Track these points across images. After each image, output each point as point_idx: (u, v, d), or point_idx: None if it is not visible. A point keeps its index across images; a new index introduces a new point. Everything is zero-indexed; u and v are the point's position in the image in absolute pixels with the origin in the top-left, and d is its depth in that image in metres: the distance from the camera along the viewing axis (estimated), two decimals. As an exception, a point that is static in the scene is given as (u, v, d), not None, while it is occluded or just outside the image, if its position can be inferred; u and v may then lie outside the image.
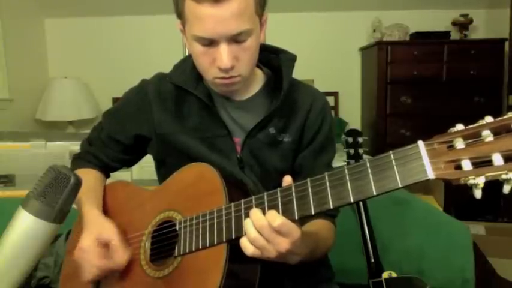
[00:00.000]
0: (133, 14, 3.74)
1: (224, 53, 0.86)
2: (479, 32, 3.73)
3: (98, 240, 0.89)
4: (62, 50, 3.87)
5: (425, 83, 3.38)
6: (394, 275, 1.35)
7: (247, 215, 0.77)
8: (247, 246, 0.74)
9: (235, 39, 0.86)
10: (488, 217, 2.62)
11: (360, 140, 1.56)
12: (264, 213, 0.74)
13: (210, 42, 0.87)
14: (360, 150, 1.56)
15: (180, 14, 0.90)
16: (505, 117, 0.59)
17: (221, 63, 0.86)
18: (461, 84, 3.37)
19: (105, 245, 0.90)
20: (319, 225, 0.95)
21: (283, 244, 0.73)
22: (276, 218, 0.71)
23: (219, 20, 0.83)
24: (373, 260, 1.40)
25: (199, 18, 0.84)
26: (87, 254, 0.88)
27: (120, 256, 0.89)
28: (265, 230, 0.72)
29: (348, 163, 1.54)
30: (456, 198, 2.48)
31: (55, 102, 3.51)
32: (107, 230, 0.91)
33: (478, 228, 2.34)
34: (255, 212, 0.74)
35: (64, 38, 3.85)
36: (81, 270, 0.90)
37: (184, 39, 0.97)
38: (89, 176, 1.02)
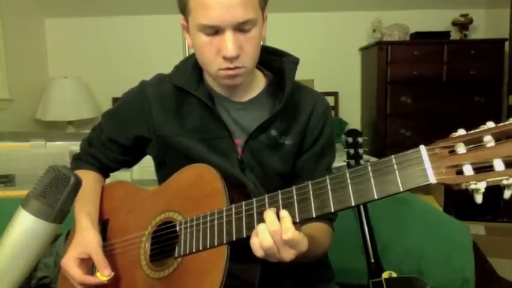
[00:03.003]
0: (134, 14, 3.74)
1: (229, 41, 0.86)
2: (479, 32, 3.73)
3: (78, 258, 0.90)
4: (62, 50, 3.86)
5: (425, 83, 3.38)
6: (394, 275, 1.35)
7: (248, 217, 0.77)
8: (258, 249, 0.75)
9: (241, 28, 0.86)
10: (488, 217, 2.62)
11: (360, 140, 1.56)
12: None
13: (215, 31, 0.87)
14: (360, 150, 1.55)
15: (184, 7, 0.90)
16: (506, 122, 0.59)
17: (226, 51, 0.86)
18: (461, 84, 3.37)
19: (88, 261, 0.92)
20: (316, 228, 0.95)
21: (288, 254, 0.74)
22: (287, 230, 0.72)
23: (226, 7, 0.83)
24: (373, 260, 1.40)
25: (206, 6, 0.84)
26: (68, 273, 0.90)
27: (103, 273, 0.90)
28: (275, 237, 0.73)
29: (348, 163, 1.55)
30: (456, 198, 2.47)
31: (55, 102, 3.51)
32: (88, 245, 0.92)
33: (478, 228, 2.34)
34: (270, 216, 0.74)
35: (64, 38, 3.85)
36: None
37: (186, 37, 0.97)
38: (87, 178, 1.02)
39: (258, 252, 0.75)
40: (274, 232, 0.72)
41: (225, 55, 0.87)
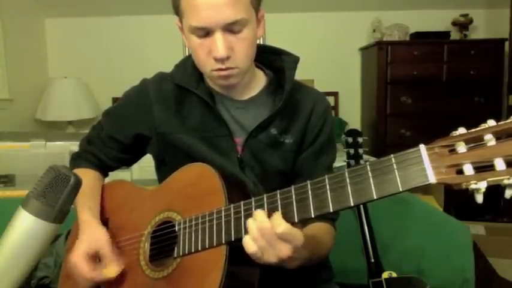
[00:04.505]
0: (133, 14, 3.74)
1: (219, 42, 0.86)
2: (479, 32, 3.73)
3: (87, 253, 0.90)
4: (62, 50, 3.86)
5: (425, 83, 3.38)
6: (394, 275, 1.35)
7: (246, 217, 0.77)
8: (249, 245, 0.73)
9: (231, 29, 0.86)
10: (488, 217, 2.62)
11: (360, 140, 1.56)
12: (267, 214, 0.74)
13: (206, 33, 0.87)
14: (360, 150, 1.55)
15: (177, 9, 0.91)
16: (507, 121, 0.58)
17: (217, 53, 0.87)
18: (461, 84, 3.37)
19: (95, 256, 0.91)
20: (319, 229, 0.95)
21: (285, 250, 0.73)
22: (280, 224, 0.71)
23: (214, 7, 0.83)
24: (373, 260, 1.40)
25: (195, 7, 0.85)
26: (77, 269, 0.89)
27: (111, 269, 0.90)
28: (267, 235, 0.72)
29: (348, 163, 1.55)
30: (456, 198, 2.48)
31: (55, 102, 3.51)
32: (98, 239, 0.92)
33: (478, 228, 2.34)
34: (259, 214, 0.73)
35: (64, 38, 3.85)
36: (76, 281, 0.91)
37: (183, 37, 0.97)
38: (87, 177, 1.02)
39: (250, 248, 0.73)
40: (266, 229, 0.71)
41: (215, 56, 0.87)
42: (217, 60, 0.88)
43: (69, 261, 0.91)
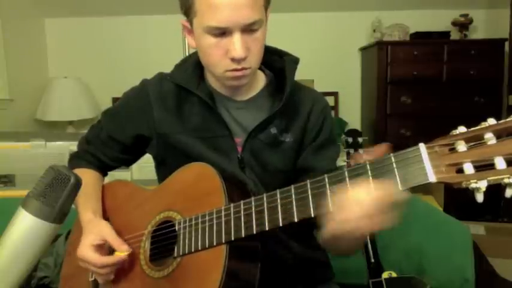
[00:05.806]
0: (133, 14, 3.74)
1: (238, 43, 0.86)
2: (479, 32, 3.73)
3: (93, 244, 0.90)
4: (62, 50, 3.86)
5: (425, 83, 3.38)
6: (394, 275, 1.35)
7: (246, 216, 0.77)
8: (352, 221, 0.67)
9: (248, 29, 0.87)
10: (488, 217, 2.62)
11: (360, 140, 1.56)
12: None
13: (223, 33, 0.86)
14: (360, 151, 1.56)
15: (188, 8, 0.90)
16: (508, 119, 0.58)
17: (235, 53, 0.86)
18: (461, 84, 3.36)
19: (103, 246, 0.92)
20: None
21: (391, 218, 0.67)
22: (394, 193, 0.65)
23: (234, 8, 0.83)
24: (373, 260, 1.40)
25: (214, 7, 0.84)
26: (86, 260, 0.90)
27: (121, 250, 0.90)
28: (384, 203, 0.65)
29: (348, 163, 1.55)
30: (456, 198, 2.48)
31: (55, 102, 3.50)
32: (102, 231, 0.93)
33: (478, 228, 2.34)
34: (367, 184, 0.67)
35: (64, 38, 3.85)
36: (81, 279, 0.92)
37: (187, 38, 0.97)
38: (87, 177, 1.02)
39: (353, 223, 0.67)
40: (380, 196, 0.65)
41: (233, 56, 0.87)
42: (234, 60, 0.88)
43: (77, 257, 0.91)
